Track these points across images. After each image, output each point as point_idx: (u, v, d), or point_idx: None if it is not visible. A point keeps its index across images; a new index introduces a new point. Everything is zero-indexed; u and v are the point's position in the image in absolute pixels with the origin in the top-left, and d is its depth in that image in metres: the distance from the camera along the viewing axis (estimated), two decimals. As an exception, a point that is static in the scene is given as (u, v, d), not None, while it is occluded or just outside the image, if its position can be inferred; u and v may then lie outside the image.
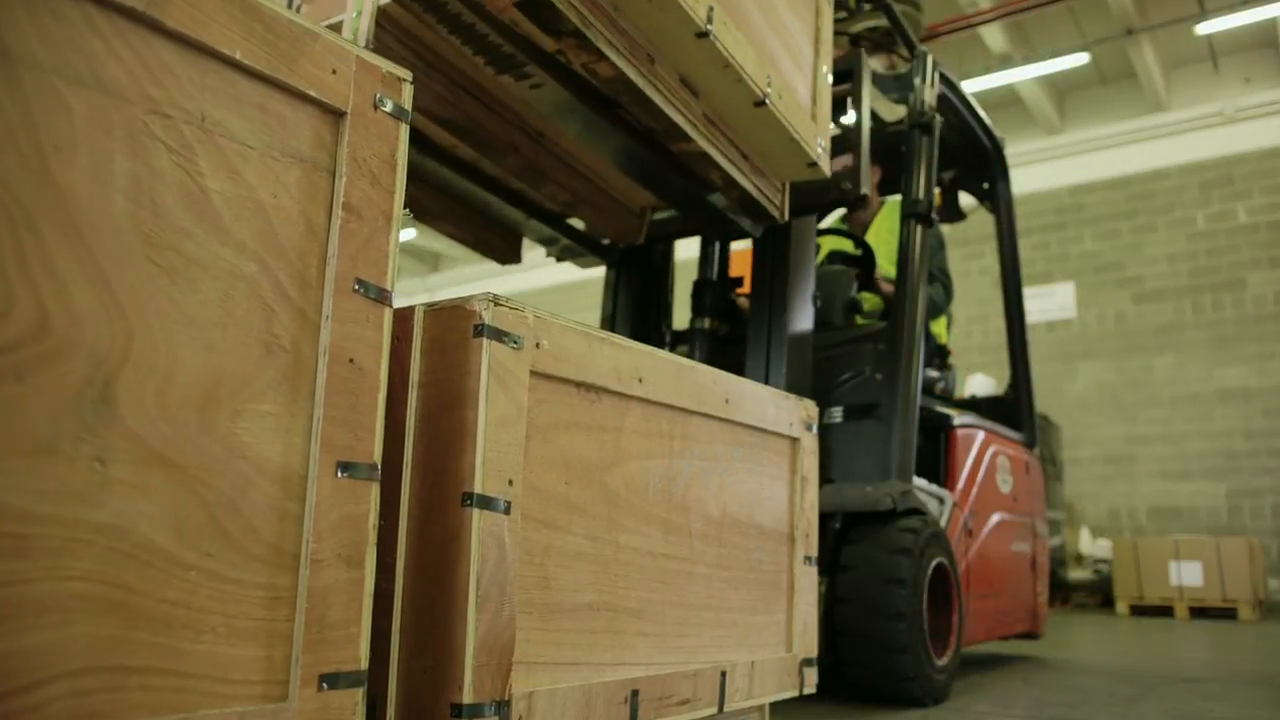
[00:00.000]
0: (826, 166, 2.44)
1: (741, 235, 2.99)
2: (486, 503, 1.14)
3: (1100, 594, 8.16)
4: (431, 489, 1.17)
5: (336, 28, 2.19)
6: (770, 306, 2.81)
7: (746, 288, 3.12)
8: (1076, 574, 8.30)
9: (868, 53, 3.60)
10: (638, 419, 1.43)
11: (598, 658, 1.32)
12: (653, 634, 1.42)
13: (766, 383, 2.76)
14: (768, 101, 2.14)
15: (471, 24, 1.88)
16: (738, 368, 2.82)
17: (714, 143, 2.22)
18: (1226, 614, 6.78)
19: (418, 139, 2.38)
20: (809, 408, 1.87)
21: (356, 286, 1.05)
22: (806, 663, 1.80)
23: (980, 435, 3.42)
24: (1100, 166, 10.23)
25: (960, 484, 3.24)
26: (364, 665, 1.01)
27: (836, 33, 2.92)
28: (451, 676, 1.11)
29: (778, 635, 1.74)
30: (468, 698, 1.09)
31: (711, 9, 1.91)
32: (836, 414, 2.96)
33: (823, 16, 2.50)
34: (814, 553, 1.85)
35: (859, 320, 3.28)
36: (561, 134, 2.42)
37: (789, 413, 1.80)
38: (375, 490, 1.04)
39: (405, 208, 2.70)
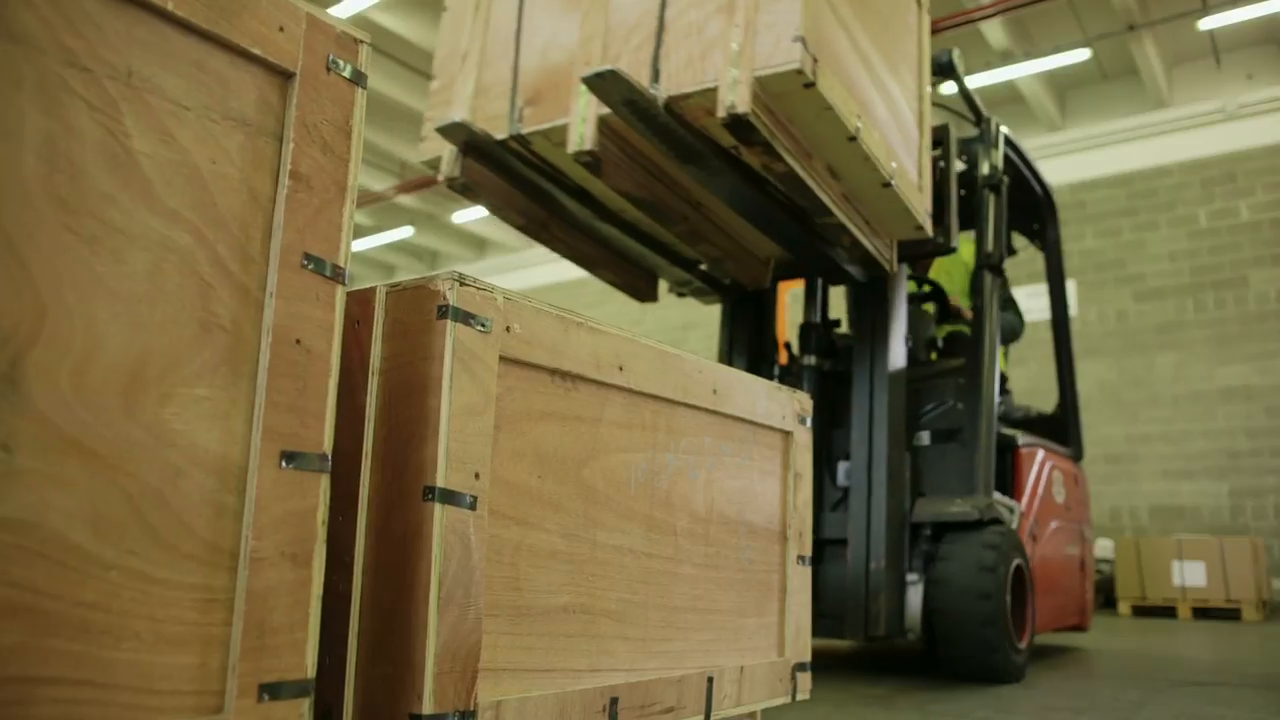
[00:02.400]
0: (929, 228, 3.03)
1: (845, 281, 3.47)
2: (450, 497, 1.06)
3: (1102, 594, 8.07)
4: (392, 482, 1.09)
5: (561, 131, 2.59)
6: (872, 345, 3.27)
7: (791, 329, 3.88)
8: (1078, 574, 8.22)
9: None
10: (618, 409, 1.34)
11: (573, 663, 1.23)
12: (634, 638, 1.34)
13: (871, 415, 3.21)
14: (893, 183, 2.69)
15: (672, 129, 2.42)
16: (844, 400, 3.41)
17: (848, 215, 2.79)
18: (1230, 614, 6.70)
19: (603, 211, 3.02)
20: (802, 400, 1.79)
21: (305, 262, 0.96)
22: (799, 667, 1.72)
23: (1040, 453, 3.89)
24: (1101, 163, 10.15)
25: (1025, 496, 3.70)
26: (310, 674, 0.92)
27: None
28: (411, 685, 1.03)
29: (769, 639, 1.66)
30: (428, 708, 1.01)
31: (859, 116, 2.46)
32: (924, 438, 3.44)
33: (925, 103, 3.07)
34: (807, 552, 1.77)
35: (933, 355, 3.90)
36: (721, 206, 2.95)
37: (781, 405, 1.72)
38: (324, 483, 0.96)
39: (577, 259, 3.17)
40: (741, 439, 1.62)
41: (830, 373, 3.51)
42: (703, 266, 3.47)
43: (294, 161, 0.97)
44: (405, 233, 14.35)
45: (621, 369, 1.33)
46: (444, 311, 1.09)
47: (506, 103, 2.65)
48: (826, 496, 3.33)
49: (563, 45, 2.60)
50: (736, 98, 2.24)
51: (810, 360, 3.43)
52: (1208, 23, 8.59)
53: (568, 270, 14.53)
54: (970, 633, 2.90)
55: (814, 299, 3.61)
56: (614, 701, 1.27)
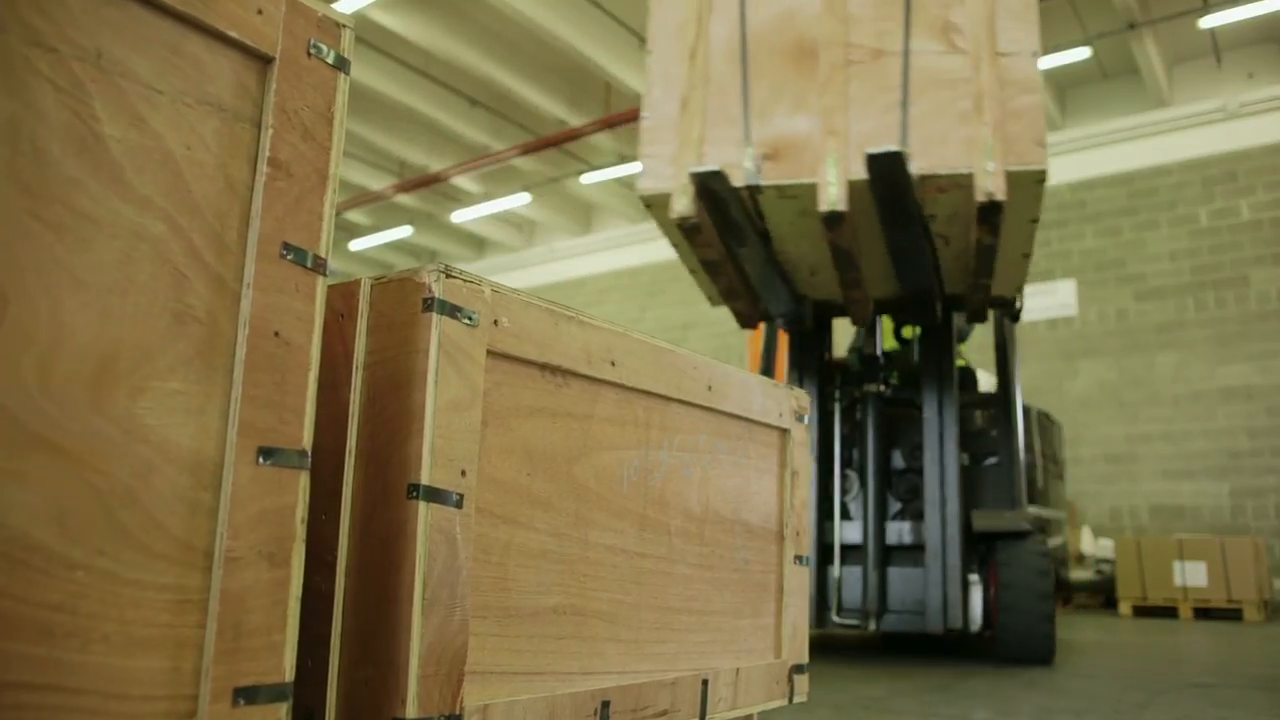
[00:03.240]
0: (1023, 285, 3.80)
1: (923, 321, 3.96)
2: (435, 495, 1.03)
3: (1102, 594, 8.04)
4: (376, 480, 1.06)
5: (799, 188, 2.96)
6: (939, 379, 3.79)
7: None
8: (1078, 574, 8.18)
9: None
10: (610, 405, 1.31)
11: (564, 666, 1.20)
12: (626, 640, 1.31)
13: (941, 439, 3.75)
14: (1028, 256, 3.45)
15: (906, 200, 2.86)
16: (909, 424, 3.99)
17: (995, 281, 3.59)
18: (1231, 615, 6.66)
19: (771, 253, 3.51)
20: (800, 397, 1.76)
21: (284, 252, 0.93)
22: (796, 669, 1.68)
23: None
24: (1102, 162, 10.12)
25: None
26: (288, 677, 0.89)
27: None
28: (394, 688, 0.99)
29: (765, 640, 1.63)
30: (412, 712, 0.98)
31: (1031, 241, 3.27)
32: (965, 459, 3.95)
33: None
34: (805, 552, 1.74)
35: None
36: (878, 257, 3.40)
37: (779, 402, 1.69)
38: (304, 480, 0.93)
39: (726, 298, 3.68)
40: (737, 436, 1.59)
41: (889, 399, 4.09)
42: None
43: (273, 148, 0.94)
44: (404, 232, 14.32)
45: (613, 364, 1.30)
46: (429, 304, 1.06)
47: (739, 154, 2.92)
48: (888, 507, 3.90)
49: (796, 108, 2.91)
50: (994, 187, 2.70)
51: (876, 387, 3.98)
52: (1208, 21, 8.56)
53: (566, 270, 14.52)
54: (1033, 624, 3.51)
55: (873, 335, 4.18)
56: (605, 705, 1.24)
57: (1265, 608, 6.69)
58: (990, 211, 2.76)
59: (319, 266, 0.97)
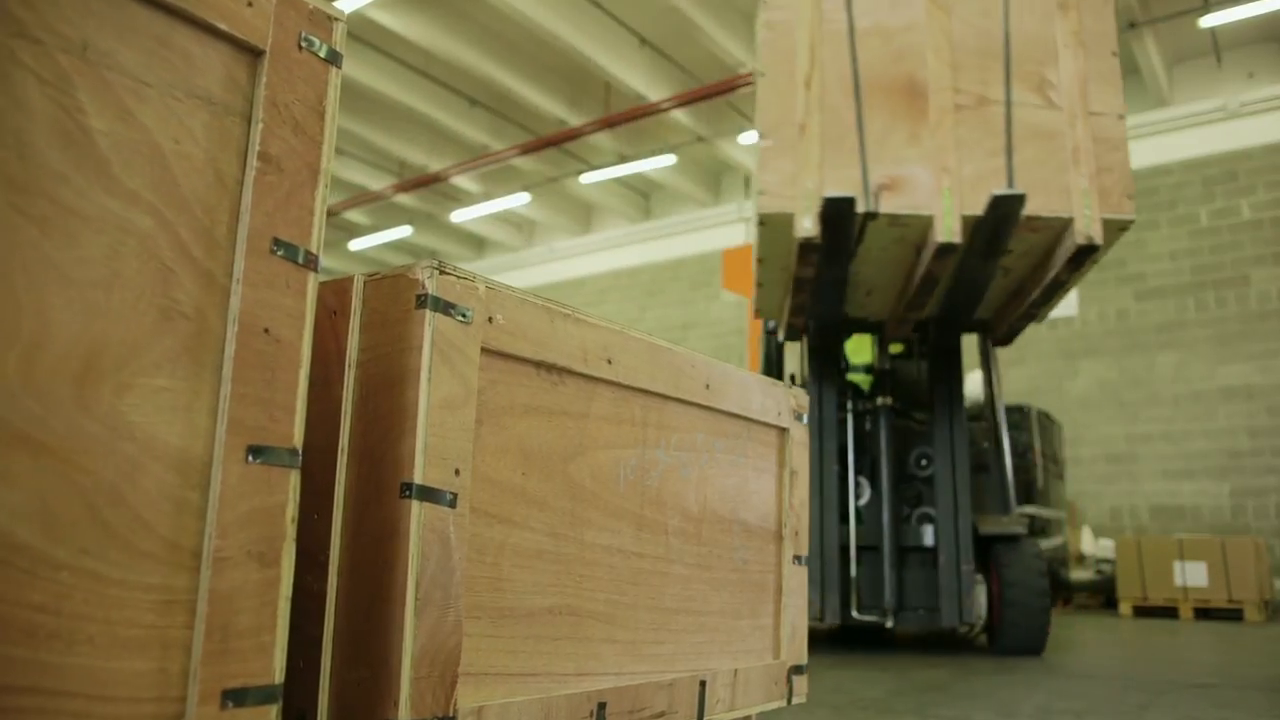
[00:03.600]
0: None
1: (944, 342, 4.28)
2: (428, 494, 1.02)
3: (1102, 594, 8.03)
4: (368, 479, 1.05)
5: (912, 218, 3.17)
6: (950, 396, 4.09)
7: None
8: (1078, 574, 8.16)
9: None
10: (606, 404, 1.30)
11: (559, 667, 1.19)
12: (623, 640, 1.29)
13: (953, 450, 4.03)
14: (1069, 289, 3.84)
15: (1003, 236, 3.22)
16: (922, 438, 4.29)
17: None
18: (1232, 615, 6.65)
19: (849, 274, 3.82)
20: (799, 396, 1.74)
21: (274, 247, 0.92)
22: (795, 670, 1.67)
23: None
24: (1102, 162, 10.09)
25: None
26: (278, 679, 0.88)
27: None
28: (387, 690, 0.98)
29: (764, 641, 1.61)
30: (404, 714, 0.97)
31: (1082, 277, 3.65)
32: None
33: None
34: (804, 552, 1.72)
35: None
36: (949, 283, 3.77)
37: (777, 401, 1.68)
38: (294, 478, 0.91)
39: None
40: (736, 435, 1.58)
41: (898, 410, 4.35)
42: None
43: (263, 142, 0.92)
44: (404, 232, 14.31)
45: (610, 362, 1.29)
46: (423, 301, 1.05)
47: (858, 182, 3.17)
48: (902, 510, 4.18)
49: (909, 144, 3.20)
50: (1093, 232, 3.12)
51: (887, 400, 4.22)
52: (1209, 21, 8.55)
53: (566, 270, 14.50)
54: (1033, 618, 3.79)
55: (884, 351, 4.41)
56: (602, 706, 1.23)
57: (1266, 608, 6.67)
58: (1084, 253, 3.16)
59: (310, 262, 0.96)
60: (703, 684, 1.42)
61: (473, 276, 1.10)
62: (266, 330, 0.90)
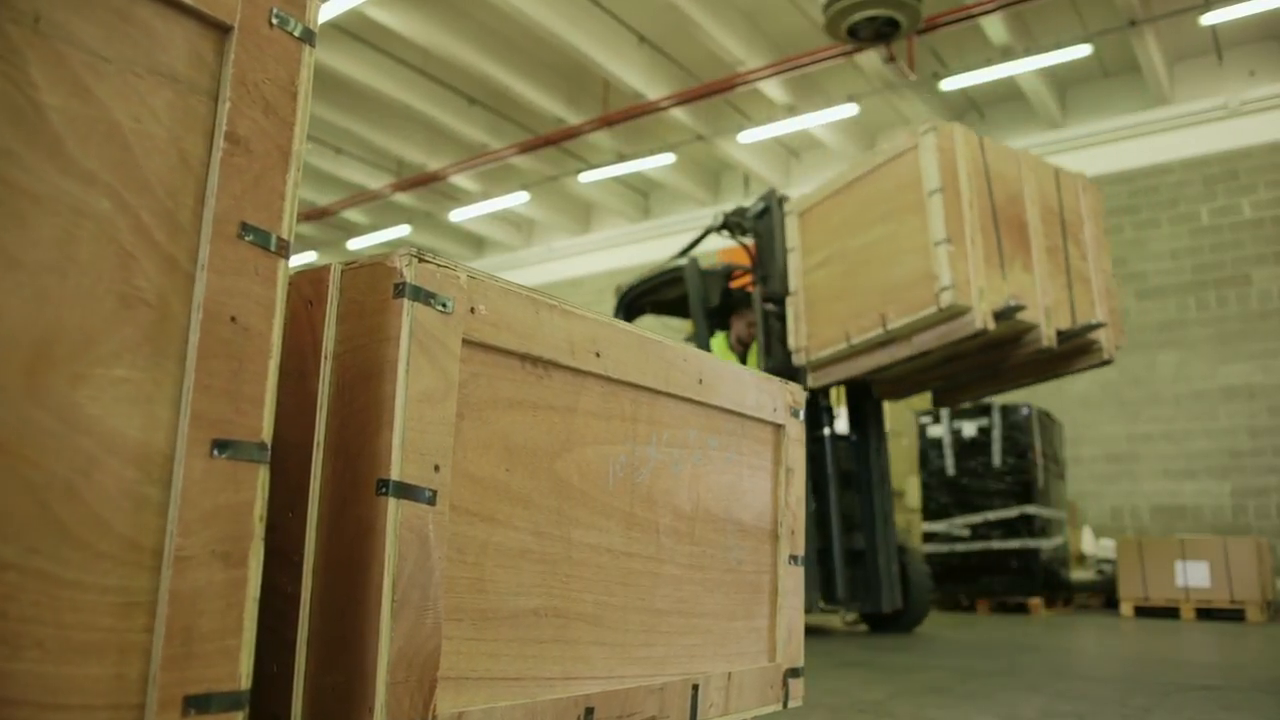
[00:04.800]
0: None
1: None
2: (406, 491, 0.97)
3: (1103, 595, 7.98)
4: (344, 475, 1.01)
5: (1029, 329, 4.29)
6: (878, 430, 5.08)
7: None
8: (1079, 574, 8.12)
9: (865, 45, 6.52)
10: (595, 398, 1.26)
11: (545, 671, 1.15)
12: (612, 643, 1.25)
13: (884, 473, 5.02)
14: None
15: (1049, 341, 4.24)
16: (858, 458, 5.06)
17: None
18: (1234, 615, 6.61)
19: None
20: (795, 392, 1.70)
21: (242, 232, 0.88)
22: (792, 673, 1.63)
23: None
24: (1102, 161, 10.05)
25: None
26: (244, 684, 0.84)
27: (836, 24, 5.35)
28: (362, 695, 0.94)
29: (759, 643, 1.57)
30: (380, 719, 0.92)
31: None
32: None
33: None
34: (800, 551, 1.68)
35: None
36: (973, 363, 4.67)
37: (772, 396, 1.63)
38: (263, 474, 0.87)
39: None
40: (729, 432, 1.53)
41: (836, 437, 5.10)
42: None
43: (230, 122, 0.88)
44: (402, 231, 14.26)
45: (598, 355, 1.25)
46: (401, 290, 1.01)
47: (1002, 290, 3.98)
48: (854, 518, 4.96)
49: (1024, 269, 4.17)
50: (1111, 352, 4.59)
51: (828, 430, 5.05)
52: (1210, 18, 8.50)
53: (565, 269, 14.46)
54: (926, 601, 5.09)
55: (828, 393, 5.08)
56: (589, 711, 1.19)
57: (1268, 608, 6.63)
58: (1098, 365, 4.70)
59: (281, 249, 0.92)
60: (695, 688, 1.38)
61: (454, 265, 1.06)
62: (233, 319, 0.86)
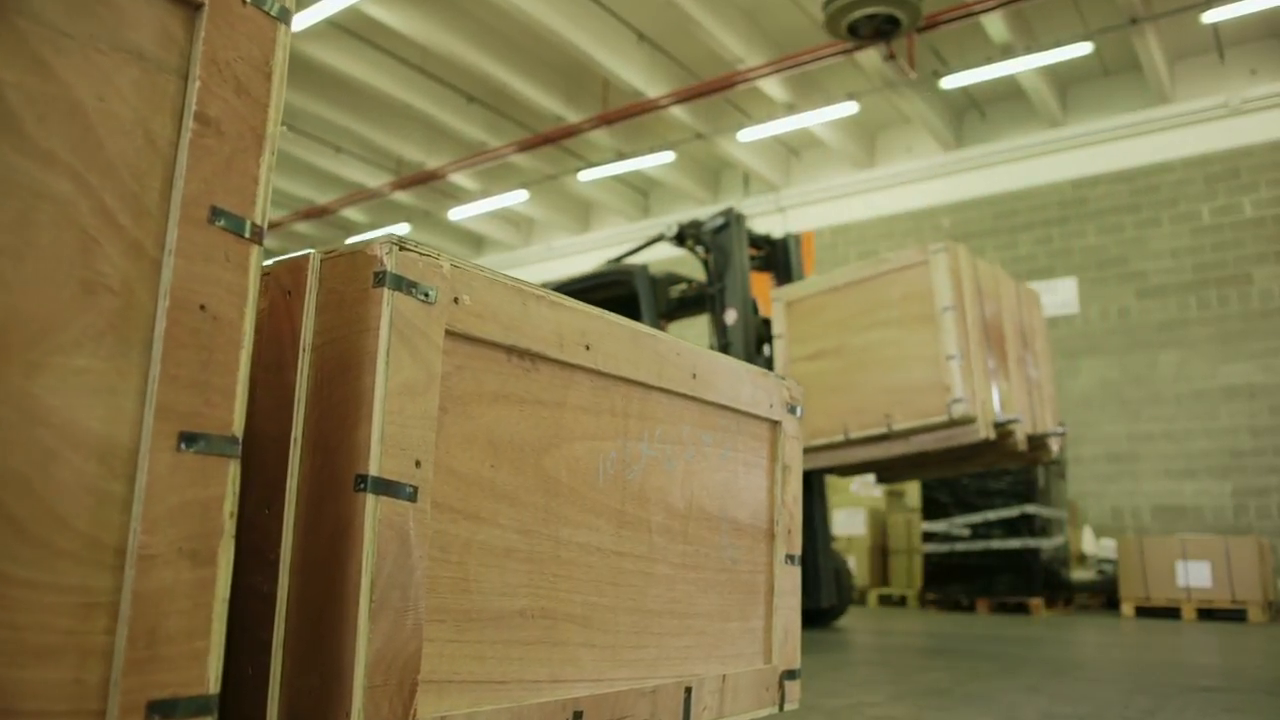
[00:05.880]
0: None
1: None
2: (385, 487, 0.94)
3: (1103, 595, 7.95)
4: (323, 471, 0.97)
5: (1010, 432, 4.65)
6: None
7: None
8: (1079, 574, 8.08)
9: (865, 43, 6.49)
10: (584, 393, 1.22)
11: (531, 674, 1.11)
12: (602, 645, 1.22)
13: (821, 494, 5.36)
14: None
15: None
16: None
17: None
18: (1235, 615, 6.57)
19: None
20: (792, 388, 1.67)
21: (213, 217, 0.84)
22: (788, 675, 1.59)
23: None
24: (1103, 159, 10.02)
25: None
26: (212, 688, 0.80)
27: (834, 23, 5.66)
28: (339, 699, 0.90)
29: (754, 645, 1.53)
30: (357, 726, 0.89)
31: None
32: None
33: None
34: (797, 550, 1.65)
35: None
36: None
37: (769, 392, 1.60)
38: (233, 469, 0.84)
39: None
40: (724, 428, 1.50)
41: None
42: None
43: (200, 103, 0.85)
44: (401, 230, 14.23)
45: (588, 348, 1.21)
46: (381, 279, 0.97)
47: (995, 398, 4.31)
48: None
49: (1005, 378, 4.48)
50: (1057, 449, 4.94)
51: None
52: (1211, 16, 8.46)
53: (565, 268, 14.41)
54: (849, 598, 5.69)
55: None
56: (578, 715, 1.15)
57: (1269, 609, 6.59)
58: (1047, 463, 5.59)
59: (255, 235, 0.88)
60: (688, 690, 1.35)
61: (437, 254, 1.02)
62: (202, 307, 0.83)
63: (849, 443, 4.52)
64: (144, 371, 0.79)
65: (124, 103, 0.80)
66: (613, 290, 5.76)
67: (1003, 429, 4.36)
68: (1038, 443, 4.77)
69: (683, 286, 5.72)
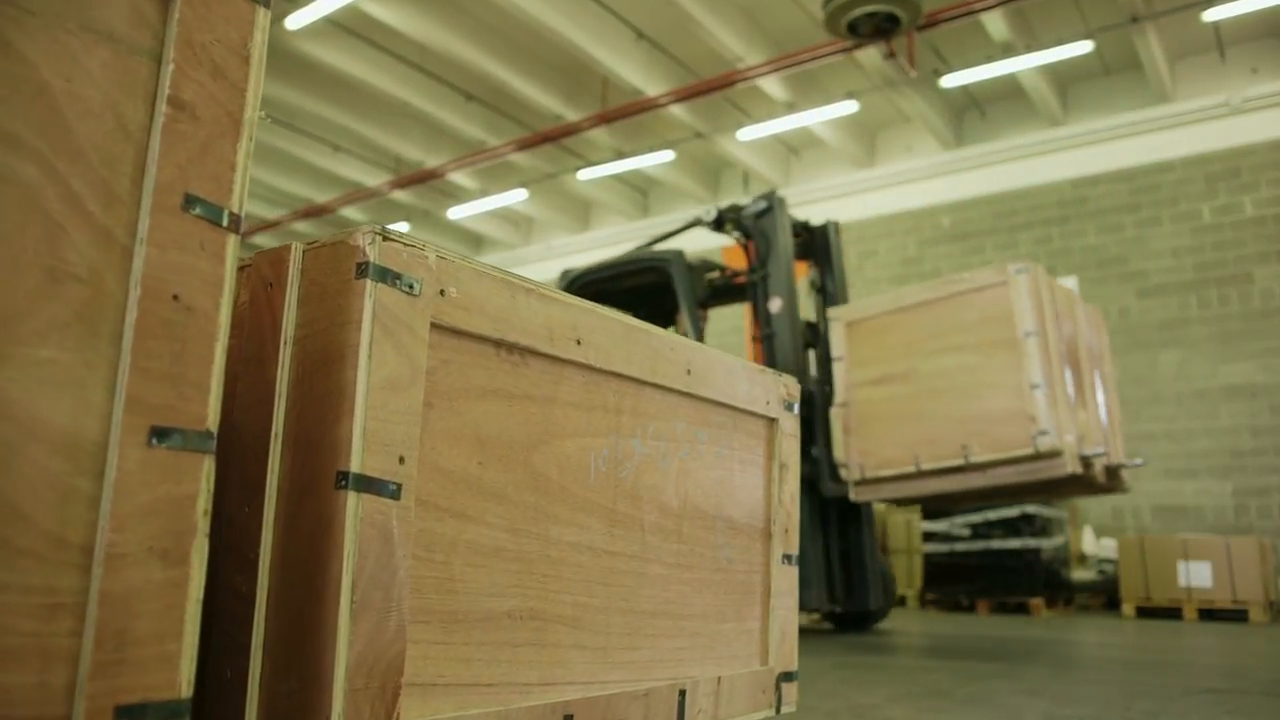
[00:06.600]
0: None
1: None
2: (367, 484, 0.91)
3: (1104, 595, 7.92)
4: (304, 467, 0.94)
5: (1096, 463, 4.58)
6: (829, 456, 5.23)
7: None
8: (1080, 574, 8.05)
9: (865, 42, 6.11)
10: (575, 388, 1.19)
11: (520, 676, 1.08)
12: (593, 646, 1.19)
13: (814, 498, 5.09)
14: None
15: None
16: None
17: None
18: (1237, 616, 6.54)
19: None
20: (790, 384, 1.64)
21: (187, 204, 0.81)
22: (785, 677, 1.56)
23: None
24: (1104, 158, 9.99)
25: None
26: (184, 693, 0.77)
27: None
28: (319, 703, 0.88)
29: (750, 646, 1.51)
30: (337, 731, 0.86)
31: None
32: None
33: None
34: (794, 550, 1.62)
35: None
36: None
37: (766, 389, 1.57)
38: (207, 465, 0.81)
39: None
40: (720, 425, 1.47)
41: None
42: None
43: (174, 86, 0.82)
44: (401, 229, 14.18)
45: (579, 343, 1.18)
46: (364, 270, 0.94)
47: (1074, 428, 4.08)
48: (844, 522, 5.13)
49: (1081, 407, 4.27)
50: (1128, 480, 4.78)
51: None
52: (1212, 15, 8.43)
53: (563, 267, 14.38)
54: (892, 601, 5.47)
55: (812, 430, 5.26)
56: (569, 719, 1.12)
57: (1271, 609, 6.56)
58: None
59: (232, 223, 0.85)
60: (682, 693, 1.32)
61: (421, 244, 0.99)
62: (175, 297, 0.80)
63: (920, 474, 4.24)
64: (113, 364, 0.77)
65: (93, 85, 0.77)
66: (645, 277, 5.54)
67: (1085, 461, 4.13)
68: (1113, 473, 4.51)
69: (715, 274, 5.51)
